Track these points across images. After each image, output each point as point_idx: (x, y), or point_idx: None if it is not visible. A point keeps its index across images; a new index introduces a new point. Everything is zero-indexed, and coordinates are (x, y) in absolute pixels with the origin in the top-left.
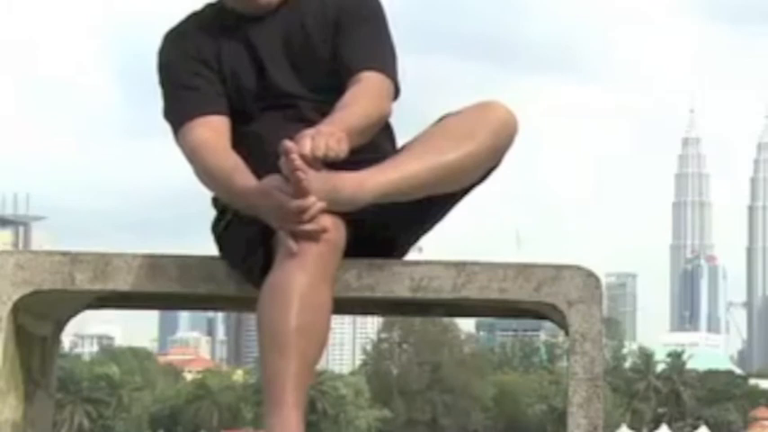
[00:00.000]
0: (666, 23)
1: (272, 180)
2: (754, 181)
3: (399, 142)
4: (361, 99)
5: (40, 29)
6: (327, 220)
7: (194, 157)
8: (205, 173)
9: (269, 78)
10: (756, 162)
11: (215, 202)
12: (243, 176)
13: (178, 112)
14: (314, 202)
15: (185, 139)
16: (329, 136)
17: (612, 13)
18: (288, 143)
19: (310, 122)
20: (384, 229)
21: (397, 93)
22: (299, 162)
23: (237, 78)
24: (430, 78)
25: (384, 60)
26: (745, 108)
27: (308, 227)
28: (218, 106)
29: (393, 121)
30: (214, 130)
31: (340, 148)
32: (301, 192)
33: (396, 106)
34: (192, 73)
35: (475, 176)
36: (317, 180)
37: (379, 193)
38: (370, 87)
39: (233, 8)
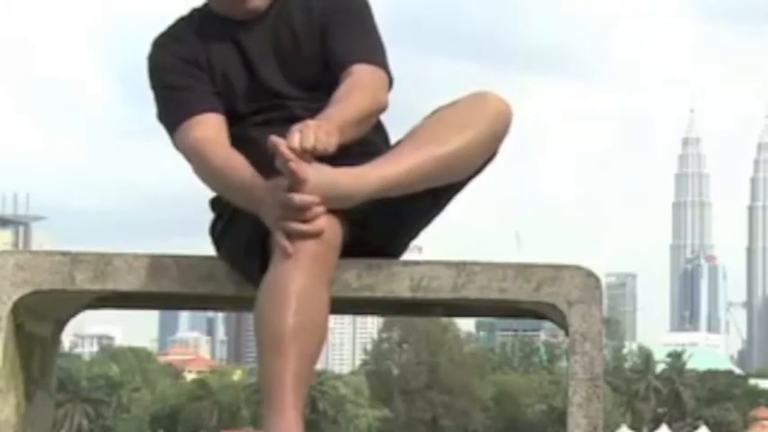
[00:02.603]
0: (666, 23)
1: (278, 179)
2: (754, 181)
3: (393, 139)
4: (353, 92)
5: (40, 29)
6: (323, 220)
7: (194, 154)
8: (206, 169)
9: (259, 80)
10: (756, 162)
11: (212, 204)
12: (247, 171)
13: (174, 112)
14: (316, 201)
15: (183, 138)
16: (317, 128)
17: (612, 13)
18: (275, 138)
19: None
20: (381, 226)
21: (390, 83)
22: (289, 153)
23: (228, 80)
24: (427, 78)
25: (374, 52)
26: (745, 108)
27: (304, 227)
28: (213, 104)
29: (389, 120)
30: (212, 127)
31: (328, 140)
32: (298, 183)
33: (391, 106)
34: (184, 74)
35: (472, 167)
36: (314, 173)
37: (378, 188)
38: (363, 80)
39: (220, 12)
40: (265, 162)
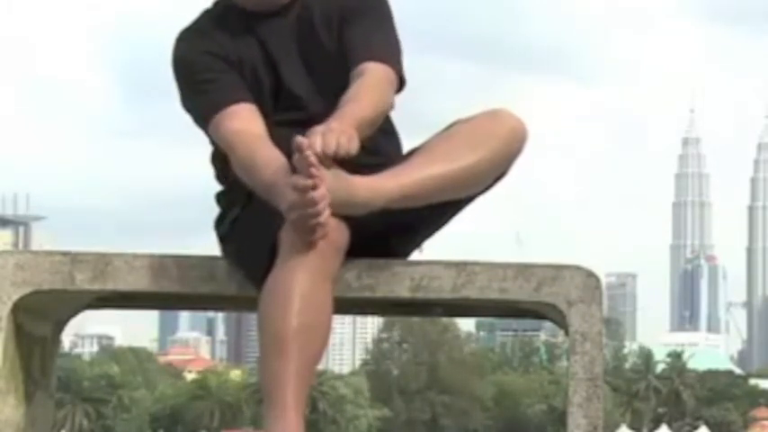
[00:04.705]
0: (666, 24)
1: (294, 178)
2: (754, 181)
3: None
4: (365, 92)
5: (40, 29)
6: (330, 222)
7: (229, 147)
8: (237, 163)
9: (283, 79)
10: (756, 162)
11: (219, 198)
12: (270, 168)
13: (206, 104)
14: (326, 195)
15: (218, 130)
16: (340, 133)
17: (612, 14)
18: (300, 139)
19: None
20: (388, 233)
21: (402, 84)
22: (313, 158)
23: (257, 77)
24: (425, 79)
25: (387, 51)
26: (745, 108)
27: (313, 222)
28: (244, 94)
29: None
30: (245, 118)
31: (350, 146)
32: (315, 186)
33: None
34: (212, 67)
35: (485, 183)
36: (332, 180)
37: (393, 198)
38: (374, 79)
39: (243, 5)
40: None
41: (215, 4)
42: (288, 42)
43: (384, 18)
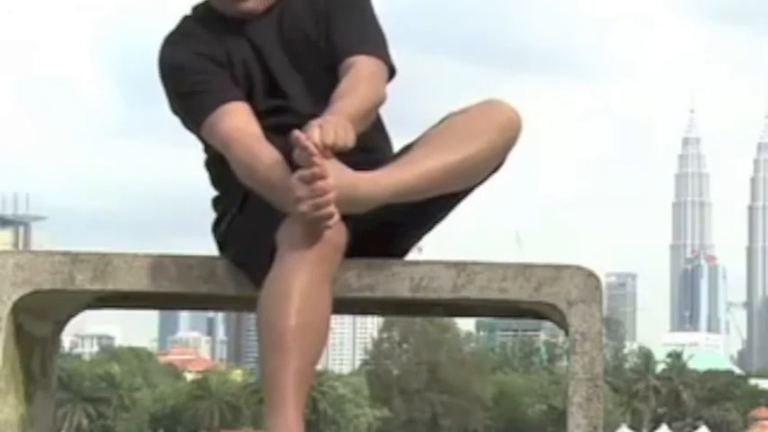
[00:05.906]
0: (666, 23)
1: (298, 172)
2: (754, 181)
3: (394, 141)
4: (358, 86)
5: (40, 29)
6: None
7: (225, 147)
8: (235, 164)
9: (275, 77)
10: (756, 162)
11: (215, 203)
12: (268, 165)
13: (200, 104)
14: (331, 186)
15: (214, 131)
16: (336, 124)
17: (612, 13)
18: (297, 133)
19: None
20: (385, 231)
21: (392, 74)
22: (312, 148)
23: (248, 76)
24: (423, 79)
25: (374, 43)
26: (745, 108)
27: (326, 211)
28: (236, 93)
29: (387, 120)
30: (241, 117)
31: (347, 137)
32: (319, 175)
33: (389, 106)
34: (202, 68)
35: (483, 174)
36: (335, 175)
37: (392, 193)
38: (365, 72)
39: (219, 10)
40: None
41: (194, 9)
42: (275, 40)
43: (367, 9)
